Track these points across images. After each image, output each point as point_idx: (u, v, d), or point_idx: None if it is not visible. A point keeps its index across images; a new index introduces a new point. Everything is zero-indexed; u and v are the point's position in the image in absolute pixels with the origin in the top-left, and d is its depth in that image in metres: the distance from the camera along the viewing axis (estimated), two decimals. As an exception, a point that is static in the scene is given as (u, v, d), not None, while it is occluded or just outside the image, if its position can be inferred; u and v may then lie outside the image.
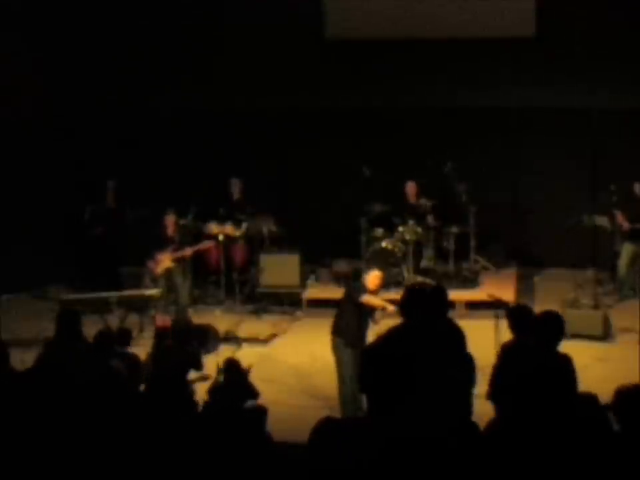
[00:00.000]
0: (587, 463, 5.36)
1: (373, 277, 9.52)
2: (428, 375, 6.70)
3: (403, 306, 7.74)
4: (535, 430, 5.79)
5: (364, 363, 6.74)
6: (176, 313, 12.04)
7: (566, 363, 7.02)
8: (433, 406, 6.42)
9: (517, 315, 7.55)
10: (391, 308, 9.31)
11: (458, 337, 7.55)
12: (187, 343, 10.56)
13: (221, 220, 13.37)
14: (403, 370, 6.34)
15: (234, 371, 7.44)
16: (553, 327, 7.08)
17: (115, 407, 6.54)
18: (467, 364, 7.29)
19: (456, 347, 7.43)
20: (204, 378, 7.86)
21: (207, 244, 12.64)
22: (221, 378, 7.51)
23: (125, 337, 8.58)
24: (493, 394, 7.06)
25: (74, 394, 6.82)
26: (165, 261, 12.04)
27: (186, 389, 7.11)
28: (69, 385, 7.03)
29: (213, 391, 7.01)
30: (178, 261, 12.21)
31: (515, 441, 5.70)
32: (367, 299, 9.46)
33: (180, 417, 6.56)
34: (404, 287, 9.50)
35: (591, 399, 5.84)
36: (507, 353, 7.37)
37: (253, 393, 7.20)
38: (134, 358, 8.19)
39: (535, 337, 7.12)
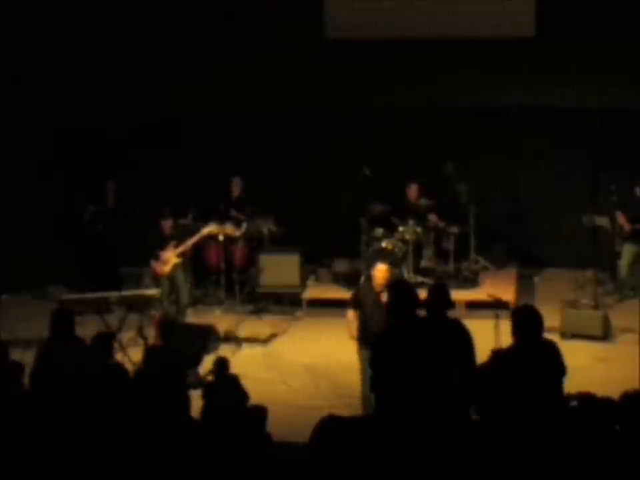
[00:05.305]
0: (586, 462, 5.36)
1: (377, 272, 9.29)
2: (431, 376, 6.70)
3: (392, 304, 7.64)
4: (532, 429, 5.79)
5: (373, 363, 6.73)
6: (175, 312, 12.05)
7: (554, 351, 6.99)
8: (434, 407, 6.43)
9: (522, 317, 7.35)
10: (352, 335, 9.13)
11: (464, 340, 7.40)
12: (180, 341, 10.51)
13: (220, 216, 13.32)
14: (409, 370, 6.34)
15: (224, 371, 7.44)
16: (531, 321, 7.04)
17: (114, 406, 6.54)
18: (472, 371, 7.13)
19: (461, 351, 7.29)
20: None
21: (205, 230, 12.52)
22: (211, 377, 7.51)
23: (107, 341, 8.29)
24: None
25: (70, 393, 6.82)
26: (171, 258, 12.08)
27: (180, 388, 7.09)
28: (64, 384, 7.03)
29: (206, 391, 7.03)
30: (183, 255, 12.24)
31: (512, 440, 5.69)
32: (348, 313, 9.32)
33: (178, 417, 6.55)
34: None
35: (590, 398, 5.84)
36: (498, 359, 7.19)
37: (244, 396, 7.20)
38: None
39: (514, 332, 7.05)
